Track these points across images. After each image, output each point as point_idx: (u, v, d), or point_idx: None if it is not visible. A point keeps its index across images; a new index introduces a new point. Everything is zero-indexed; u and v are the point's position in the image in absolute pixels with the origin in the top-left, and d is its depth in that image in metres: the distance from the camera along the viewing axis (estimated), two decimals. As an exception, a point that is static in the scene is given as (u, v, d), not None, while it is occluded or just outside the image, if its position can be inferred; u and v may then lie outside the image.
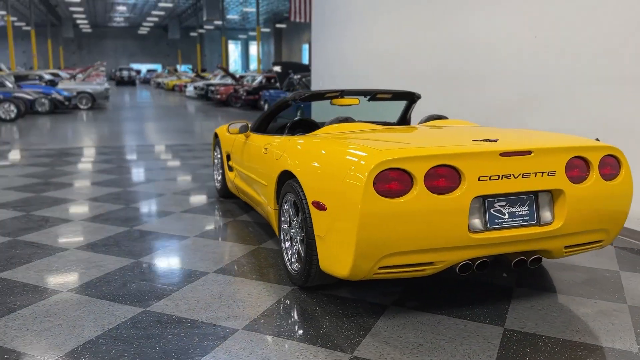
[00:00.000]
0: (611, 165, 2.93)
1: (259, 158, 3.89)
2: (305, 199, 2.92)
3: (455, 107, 6.06)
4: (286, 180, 3.34)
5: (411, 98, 4.57)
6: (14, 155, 8.32)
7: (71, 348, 2.50)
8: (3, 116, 13.66)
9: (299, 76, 12.56)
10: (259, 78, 19.53)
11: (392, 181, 2.52)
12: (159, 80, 37.46)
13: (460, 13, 5.92)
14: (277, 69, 13.83)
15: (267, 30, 60.69)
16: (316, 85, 10.12)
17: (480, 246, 2.68)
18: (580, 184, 2.82)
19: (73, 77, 23.13)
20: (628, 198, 2.96)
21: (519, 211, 2.75)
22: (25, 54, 62.48)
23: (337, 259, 2.66)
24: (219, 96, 19.89)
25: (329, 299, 3.04)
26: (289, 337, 2.61)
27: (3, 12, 52.00)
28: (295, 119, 4.51)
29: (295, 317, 2.83)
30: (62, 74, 24.77)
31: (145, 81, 52.52)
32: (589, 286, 3.26)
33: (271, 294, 3.12)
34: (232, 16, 55.08)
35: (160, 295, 3.08)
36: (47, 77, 18.91)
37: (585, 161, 2.86)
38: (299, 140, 3.31)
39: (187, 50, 67.68)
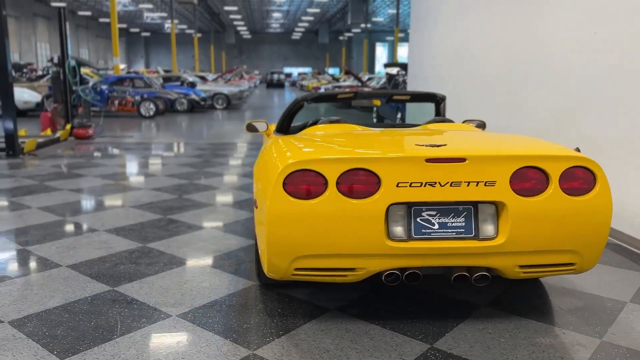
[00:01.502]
0: (582, 179, 2.55)
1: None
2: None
3: (512, 110, 5.57)
4: None
5: (434, 100, 4.34)
6: (127, 146, 9.37)
7: (26, 314, 2.84)
8: (144, 113, 15.38)
9: (405, 78, 12.39)
10: (384, 80, 19.52)
11: (304, 183, 2.48)
12: (303, 82, 39.15)
13: (529, 12, 5.43)
14: (390, 70, 13.78)
15: (415, 32, 60.10)
16: (411, 86, 9.92)
17: (403, 256, 2.51)
18: (532, 197, 2.51)
19: (220, 77, 25.18)
20: (604, 217, 2.56)
21: (452, 222, 2.53)
22: (194, 58, 69.28)
23: (262, 256, 2.69)
24: (344, 98, 20.22)
25: (278, 297, 3.06)
26: (209, 328, 2.70)
27: (175, 21, 58.15)
28: (323, 119, 4.53)
29: (232, 310, 2.90)
30: (211, 76, 27.07)
31: (293, 84, 55.13)
32: (574, 315, 2.87)
33: (230, 287, 3.22)
34: (379, 19, 55.50)
35: (135, 278, 3.35)
36: (191, 79, 20.81)
37: (545, 173, 2.54)
38: (272, 141, 3.37)
39: (336, 54, 69.69)
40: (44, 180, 6.35)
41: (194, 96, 17.56)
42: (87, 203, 5.24)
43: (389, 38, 68.98)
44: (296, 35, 71.97)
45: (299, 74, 61.11)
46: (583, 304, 3.01)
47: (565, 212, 2.51)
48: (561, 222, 2.52)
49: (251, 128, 4.46)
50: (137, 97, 15.55)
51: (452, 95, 7.64)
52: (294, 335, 2.63)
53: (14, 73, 18.46)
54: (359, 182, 2.47)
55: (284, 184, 2.48)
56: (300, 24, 62.10)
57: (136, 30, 69.89)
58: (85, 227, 4.43)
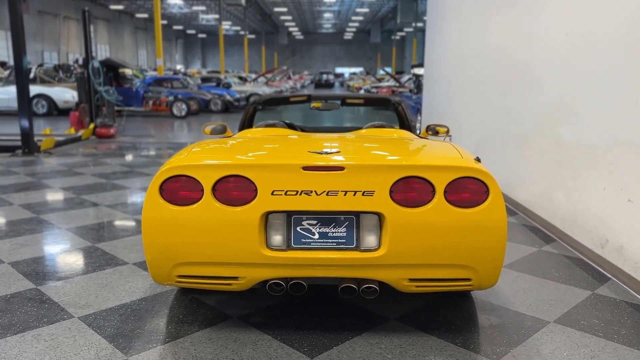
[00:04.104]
0: (471, 191, 2.39)
1: None
2: None
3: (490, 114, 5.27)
4: None
5: (389, 105, 4.19)
6: (142, 145, 9.61)
7: (-60, 309, 2.95)
8: (176, 113, 15.75)
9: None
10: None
11: (180, 189, 2.44)
12: (349, 83, 39.13)
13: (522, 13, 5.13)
14: (417, 70, 13.46)
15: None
16: (425, 87, 9.67)
17: (282, 266, 2.43)
18: (413, 208, 2.37)
19: (258, 78, 25.48)
20: (497, 231, 2.38)
21: (333, 232, 2.42)
22: (249, 59, 70.35)
23: None
24: (380, 98, 19.97)
25: (188, 303, 3.03)
26: (100, 332, 2.70)
27: (229, 22, 59.36)
28: (260, 122, 4.41)
29: (134, 315, 2.89)
30: (252, 76, 27.43)
31: (342, 84, 55.11)
32: (482, 334, 2.69)
33: (148, 291, 3.22)
34: (431, 18, 54.59)
35: (64, 278, 3.41)
36: (229, 80, 21.15)
37: (431, 184, 2.39)
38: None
39: (388, 53, 69.07)
40: (43, 177, 6.59)
41: (228, 97, 17.83)
42: (67, 201, 5.40)
43: (443, 37, 67.66)
44: (348, 35, 71.85)
45: (350, 74, 61.05)
46: (500, 321, 2.82)
47: (451, 225, 2.36)
48: (448, 235, 2.37)
49: (208, 130, 4.43)
50: (171, 98, 15.94)
51: (454, 98, 7.40)
52: (179, 343, 2.59)
53: (61, 73, 19.37)
54: (235, 189, 2.41)
55: (160, 189, 2.45)
56: (351, 24, 61.96)
57: (192, 32, 71.76)
58: (50, 224, 4.56)
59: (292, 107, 5.02)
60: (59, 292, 3.18)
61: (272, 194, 2.38)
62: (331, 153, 2.55)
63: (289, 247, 2.43)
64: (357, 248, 2.42)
